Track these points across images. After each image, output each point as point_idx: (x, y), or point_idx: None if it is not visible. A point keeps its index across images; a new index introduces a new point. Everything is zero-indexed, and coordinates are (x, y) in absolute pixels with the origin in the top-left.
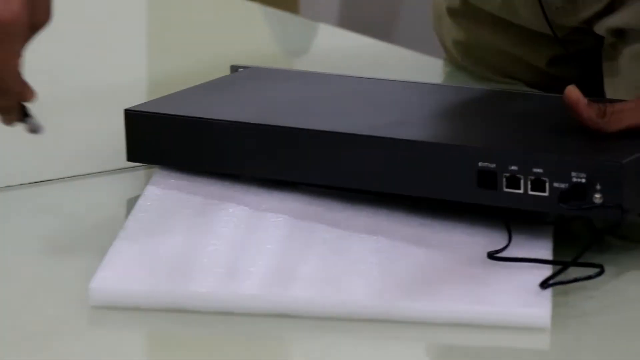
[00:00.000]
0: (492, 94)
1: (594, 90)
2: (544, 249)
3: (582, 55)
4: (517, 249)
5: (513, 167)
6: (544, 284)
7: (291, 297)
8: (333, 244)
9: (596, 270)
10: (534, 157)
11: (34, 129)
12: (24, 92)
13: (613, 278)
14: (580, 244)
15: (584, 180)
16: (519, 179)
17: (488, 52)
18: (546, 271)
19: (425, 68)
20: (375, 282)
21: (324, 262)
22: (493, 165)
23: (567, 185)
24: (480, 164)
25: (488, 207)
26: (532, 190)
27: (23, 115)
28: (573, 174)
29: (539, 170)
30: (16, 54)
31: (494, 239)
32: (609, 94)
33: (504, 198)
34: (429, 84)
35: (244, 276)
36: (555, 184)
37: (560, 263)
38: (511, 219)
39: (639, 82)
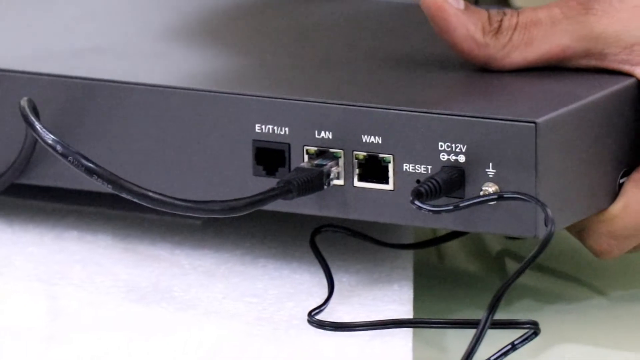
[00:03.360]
0: None
1: None
2: (399, 301)
3: None
4: (350, 299)
5: (323, 134)
6: None
7: None
8: None
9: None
10: (362, 115)
11: None
12: None
13: None
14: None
15: (462, 158)
16: (336, 158)
17: None
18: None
19: None
20: None
21: None
22: (282, 132)
23: (429, 167)
24: (258, 127)
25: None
26: (363, 179)
27: None
28: (442, 145)
29: (374, 140)
30: None
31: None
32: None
33: (302, 192)
34: None
35: None
36: (408, 166)
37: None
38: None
39: None
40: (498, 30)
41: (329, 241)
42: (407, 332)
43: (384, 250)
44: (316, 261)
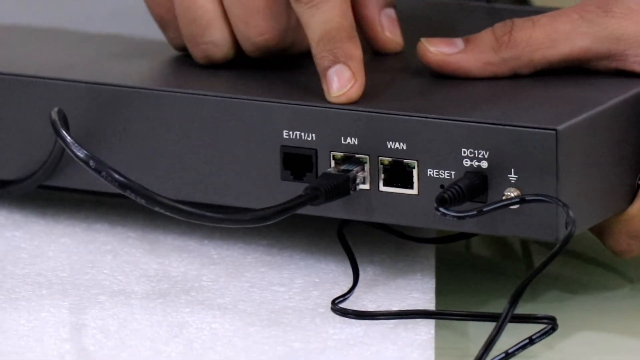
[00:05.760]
0: None
1: None
2: (421, 290)
3: None
4: (374, 287)
5: (349, 140)
6: None
7: None
8: None
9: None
10: (387, 122)
11: None
12: None
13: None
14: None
15: (484, 164)
16: (362, 163)
17: None
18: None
19: None
20: None
21: None
22: (309, 138)
23: (452, 173)
24: (286, 133)
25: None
26: (388, 184)
27: None
28: (465, 151)
29: (399, 146)
30: None
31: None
32: None
33: (329, 198)
34: None
35: None
36: (432, 171)
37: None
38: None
39: None
40: (509, 42)
41: (354, 233)
42: (429, 321)
43: (407, 242)
44: (340, 252)
